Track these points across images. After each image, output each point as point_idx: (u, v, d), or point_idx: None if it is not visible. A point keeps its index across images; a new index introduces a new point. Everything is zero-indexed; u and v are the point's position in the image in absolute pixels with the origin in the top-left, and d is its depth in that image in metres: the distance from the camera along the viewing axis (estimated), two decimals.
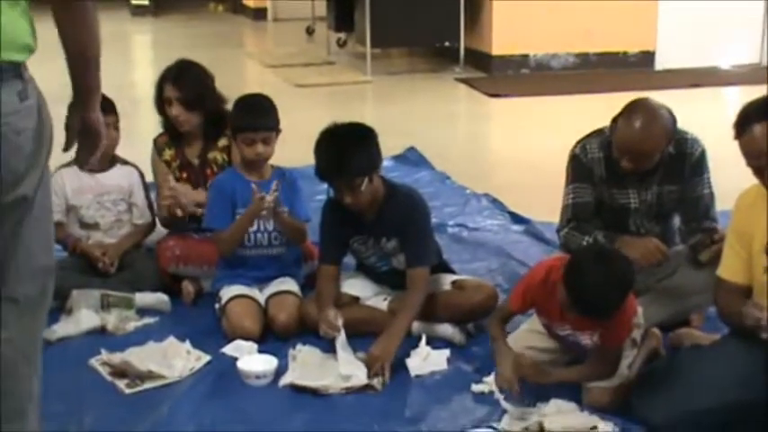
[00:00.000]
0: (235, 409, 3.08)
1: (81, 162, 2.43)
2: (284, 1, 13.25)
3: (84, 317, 3.60)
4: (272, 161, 3.75)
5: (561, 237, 3.57)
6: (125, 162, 4.02)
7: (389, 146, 4.66)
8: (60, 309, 3.60)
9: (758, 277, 2.83)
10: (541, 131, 6.97)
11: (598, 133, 3.54)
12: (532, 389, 3.05)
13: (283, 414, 3.06)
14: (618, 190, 3.50)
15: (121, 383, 3.21)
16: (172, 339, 3.45)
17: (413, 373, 3.27)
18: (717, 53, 9.34)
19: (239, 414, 3.05)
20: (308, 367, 3.26)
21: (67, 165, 3.88)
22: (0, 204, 2.01)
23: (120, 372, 3.25)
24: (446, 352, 3.38)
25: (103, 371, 3.29)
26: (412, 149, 6.05)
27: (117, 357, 3.30)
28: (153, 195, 4.09)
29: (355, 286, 3.64)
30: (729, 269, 2.92)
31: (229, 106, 3.90)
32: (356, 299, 3.61)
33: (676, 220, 3.61)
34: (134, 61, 11.31)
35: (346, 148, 3.33)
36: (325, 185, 3.45)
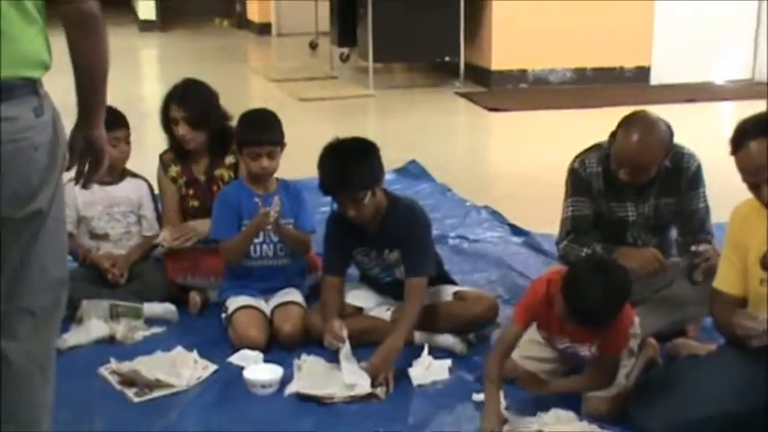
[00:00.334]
0: (241, 418, 3.08)
1: (85, 181, 2.35)
2: (288, 16, 13.28)
3: (93, 326, 3.60)
4: (277, 173, 3.75)
5: (560, 249, 3.57)
6: (135, 175, 4.03)
7: (391, 159, 4.68)
8: (71, 318, 3.60)
9: (753, 289, 2.83)
10: (540, 145, 6.97)
11: (597, 148, 3.55)
12: (533, 398, 3.05)
13: (289, 422, 3.05)
14: (616, 203, 3.50)
15: (130, 392, 3.21)
16: (179, 349, 3.45)
17: (415, 382, 3.27)
18: (710, 69, 9.36)
19: (246, 422, 3.05)
20: (313, 377, 3.26)
21: None
22: (16, 218, 2.02)
23: (129, 380, 3.25)
24: (448, 362, 3.38)
25: (112, 379, 3.29)
26: (413, 162, 6.05)
27: (126, 366, 3.30)
28: (161, 207, 4.10)
29: (359, 297, 3.64)
30: (725, 281, 2.92)
31: (234, 122, 3.90)
32: (360, 309, 3.62)
33: (673, 233, 3.61)
34: (142, 75, 11.34)
35: (349, 162, 3.34)
36: (329, 198, 3.46)
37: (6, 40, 1.95)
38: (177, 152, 4.03)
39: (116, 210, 3.94)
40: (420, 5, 9.04)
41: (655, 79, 9.23)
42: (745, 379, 2.78)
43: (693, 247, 3.29)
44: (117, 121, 3.91)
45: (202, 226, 3.91)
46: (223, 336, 3.61)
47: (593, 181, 3.49)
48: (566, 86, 9.12)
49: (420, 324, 3.49)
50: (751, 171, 2.69)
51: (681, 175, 3.48)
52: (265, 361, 3.39)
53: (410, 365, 3.32)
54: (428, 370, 3.32)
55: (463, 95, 8.76)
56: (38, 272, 2.11)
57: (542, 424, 2.93)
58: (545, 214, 4.18)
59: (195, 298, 3.87)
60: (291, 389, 3.21)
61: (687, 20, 9.18)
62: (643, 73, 9.24)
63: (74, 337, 3.54)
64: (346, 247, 3.57)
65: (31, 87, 2.02)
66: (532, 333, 3.15)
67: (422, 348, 3.39)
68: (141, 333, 3.66)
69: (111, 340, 3.60)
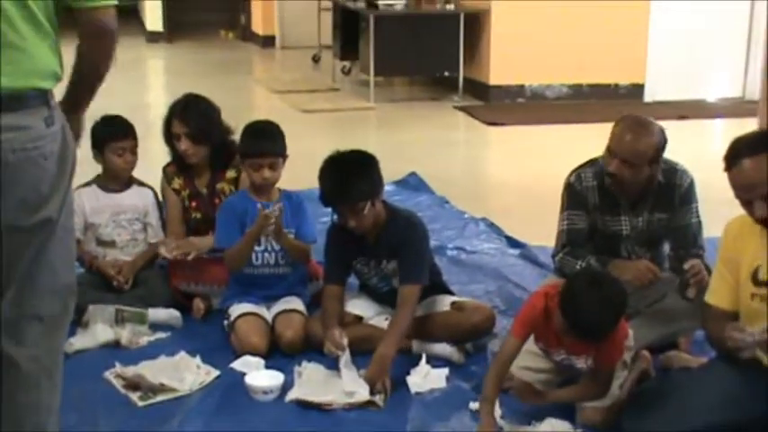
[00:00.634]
0: (243, 423, 3.07)
1: None
2: (292, 29, 13.29)
3: (99, 330, 3.60)
4: (280, 183, 3.75)
5: (556, 261, 3.57)
6: (141, 183, 4.03)
7: (391, 171, 4.67)
8: (77, 322, 3.59)
9: (745, 303, 2.83)
10: (536, 159, 6.98)
11: (592, 163, 3.55)
12: (528, 408, 3.04)
13: (289, 428, 3.05)
14: (610, 217, 3.50)
15: (134, 396, 3.20)
16: (183, 354, 3.44)
17: (413, 390, 3.26)
18: (703, 87, 9.37)
19: (247, 427, 3.05)
20: (313, 383, 3.25)
21: (86, 185, 3.90)
22: (26, 226, 2.02)
23: (134, 384, 3.24)
24: (445, 370, 3.37)
25: (117, 383, 3.29)
26: (413, 174, 6.05)
27: (130, 370, 3.30)
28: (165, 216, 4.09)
29: (359, 306, 3.64)
30: (717, 295, 2.91)
31: (236, 136, 3.90)
32: (360, 318, 3.61)
33: (666, 247, 3.61)
34: (148, 85, 11.35)
35: (349, 174, 3.34)
36: (330, 209, 3.46)
37: (20, 52, 1.96)
38: (180, 165, 4.03)
39: (122, 217, 3.95)
40: (420, 21, 9.07)
41: (648, 96, 9.24)
42: (735, 391, 2.78)
43: (686, 265, 3.28)
44: (126, 131, 3.92)
45: (203, 242, 3.91)
46: (226, 342, 3.60)
47: (589, 195, 3.49)
48: (562, 102, 9.12)
49: (418, 333, 3.49)
50: (744, 188, 2.68)
51: (674, 190, 3.48)
52: (267, 367, 3.38)
53: (408, 374, 3.31)
54: (426, 378, 3.31)
55: (462, 109, 8.76)
56: (47, 279, 2.11)
57: None
58: (541, 227, 4.18)
59: (199, 304, 3.87)
60: (292, 395, 3.20)
61: (680, 39, 9.20)
62: (637, 90, 9.25)
63: (80, 341, 3.54)
64: (346, 256, 3.56)
65: (43, 98, 2.02)
66: (529, 344, 3.14)
67: (420, 357, 3.39)
68: (146, 338, 3.66)
69: (116, 345, 3.59)
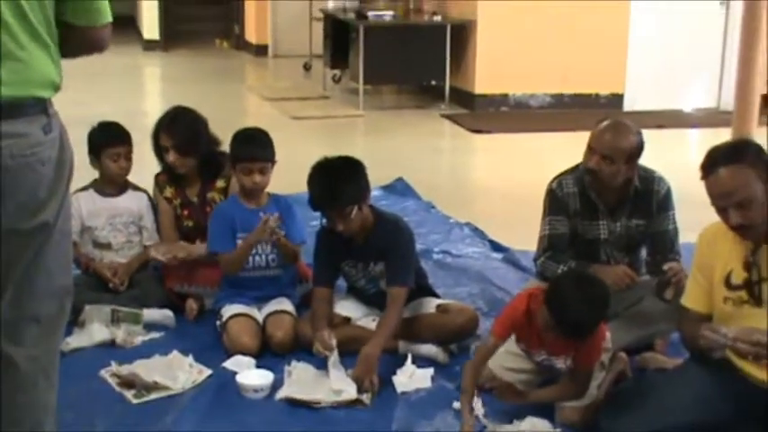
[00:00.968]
0: (234, 421, 3.07)
1: None
2: (284, 39, 13.29)
3: (95, 330, 3.60)
4: (270, 187, 3.76)
5: (538, 265, 3.58)
6: (136, 188, 4.03)
7: (379, 176, 4.68)
8: (74, 322, 3.58)
9: (718, 306, 2.84)
10: (519, 165, 6.99)
11: (573, 169, 3.56)
12: (509, 407, 3.05)
13: (279, 425, 3.05)
14: (590, 222, 3.51)
15: (129, 394, 3.20)
16: (176, 353, 3.44)
17: (399, 389, 3.26)
18: (680, 97, 9.41)
19: (238, 425, 3.04)
20: (302, 382, 3.25)
21: (84, 189, 3.90)
22: (24, 230, 2.01)
23: (128, 382, 3.24)
24: (430, 370, 3.37)
25: (112, 381, 3.28)
26: (400, 180, 6.05)
27: (125, 369, 3.30)
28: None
29: (347, 307, 3.64)
30: (692, 298, 2.93)
31: (224, 147, 3.90)
32: (348, 319, 3.61)
33: (643, 252, 3.62)
34: (145, 93, 11.32)
35: (337, 180, 3.34)
36: (319, 214, 3.46)
37: (19, 62, 1.95)
38: (171, 175, 4.01)
39: (118, 220, 3.94)
40: (408, 32, 9.10)
41: (628, 106, 9.27)
42: (708, 391, 2.80)
43: (665, 266, 3.30)
44: (122, 137, 3.91)
45: (194, 249, 3.90)
46: (218, 342, 3.60)
47: (570, 201, 3.50)
48: (545, 110, 9.15)
49: (405, 334, 3.49)
50: (719, 196, 2.69)
51: (651, 197, 3.49)
52: (257, 367, 3.38)
53: (394, 373, 3.31)
54: (411, 378, 3.31)
55: (448, 117, 8.77)
56: (44, 281, 2.10)
57: (519, 431, 2.92)
58: (524, 232, 4.19)
59: (192, 305, 3.86)
60: (282, 393, 3.20)
61: (658, 51, 9.25)
62: (617, 99, 9.28)
63: (76, 341, 3.53)
64: (335, 259, 3.56)
65: (42, 106, 2.02)
66: (512, 346, 3.15)
67: (406, 357, 3.39)
68: (140, 337, 3.65)
69: (111, 344, 3.58)
